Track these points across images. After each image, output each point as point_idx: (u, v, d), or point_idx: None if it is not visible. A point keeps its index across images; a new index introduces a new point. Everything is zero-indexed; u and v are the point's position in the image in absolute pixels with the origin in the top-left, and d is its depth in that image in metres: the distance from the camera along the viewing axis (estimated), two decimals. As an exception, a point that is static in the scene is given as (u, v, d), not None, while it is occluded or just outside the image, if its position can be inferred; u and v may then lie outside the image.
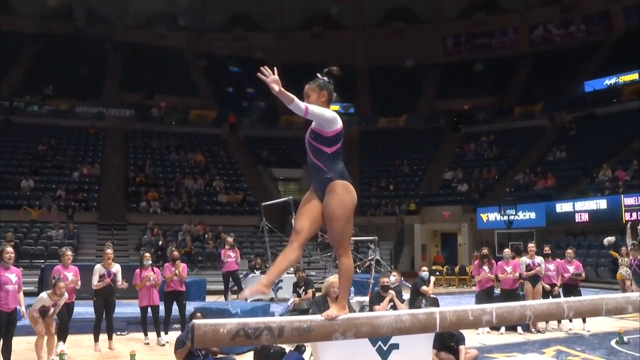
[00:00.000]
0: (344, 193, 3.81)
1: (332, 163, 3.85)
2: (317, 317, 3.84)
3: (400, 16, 39.48)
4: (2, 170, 24.94)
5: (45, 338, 8.29)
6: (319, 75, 4.01)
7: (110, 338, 9.72)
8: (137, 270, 10.24)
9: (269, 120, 33.73)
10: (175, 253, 10.95)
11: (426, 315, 4.14)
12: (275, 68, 3.72)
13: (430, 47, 38.89)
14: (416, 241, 26.71)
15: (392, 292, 8.28)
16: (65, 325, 9.15)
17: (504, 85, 35.89)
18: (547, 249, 11.73)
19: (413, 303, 9.80)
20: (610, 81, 31.83)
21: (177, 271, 10.38)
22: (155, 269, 10.41)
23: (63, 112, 30.44)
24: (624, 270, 14.10)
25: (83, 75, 31.97)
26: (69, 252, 9.58)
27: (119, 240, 21.89)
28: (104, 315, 9.68)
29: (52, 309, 8.32)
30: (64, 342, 9.20)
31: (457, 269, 22.01)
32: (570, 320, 10.45)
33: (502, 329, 10.44)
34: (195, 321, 3.62)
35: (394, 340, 7.11)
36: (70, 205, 23.45)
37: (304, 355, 6.47)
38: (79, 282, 9.30)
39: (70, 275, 9.17)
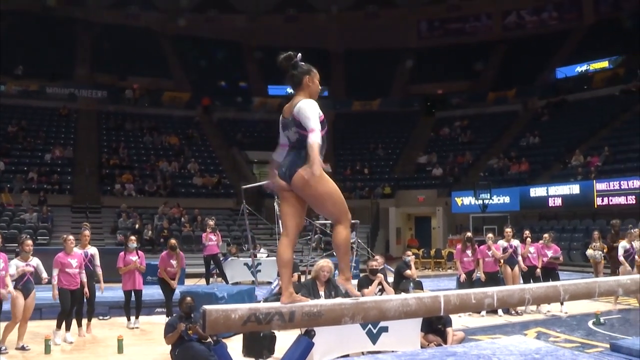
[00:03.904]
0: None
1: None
2: (328, 301, 3.88)
3: (374, 0, 39.45)
4: (-29, 152, 24.51)
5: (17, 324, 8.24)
6: (298, 60, 3.91)
7: (89, 321, 9.60)
8: (121, 254, 10.12)
9: (242, 103, 33.68)
10: (173, 241, 10.83)
11: (431, 299, 4.20)
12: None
13: (404, 31, 39.00)
14: (391, 225, 26.96)
15: (380, 275, 8.37)
16: (69, 313, 9.01)
17: (478, 70, 36.16)
18: (526, 233, 11.98)
19: (397, 286, 9.90)
20: (581, 68, 32.38)
21: (175, 264, 10.39)
22: (139, 252, 10.31)
23: (33, 92, 29.86)
24: (597, 254, 14.44)
25: (53, 56, 31.37)
26: (71, 238, 9.14)
27: (94, 224, 21.53)
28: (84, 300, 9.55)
29: (33, 286, 8.22)
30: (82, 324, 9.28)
31: (433, 252, 22.27)
32: (549, 303, 10.65)
33: (484, 312, 10.61)
34: (206, 307, 3.60)
35: (383, 323, 7.25)
36: (43, 188, 23.11)
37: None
38: (84, 275, 9.10)
39: (74, 262, 8.94)
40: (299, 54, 3.89)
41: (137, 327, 9.95)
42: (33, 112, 28.57)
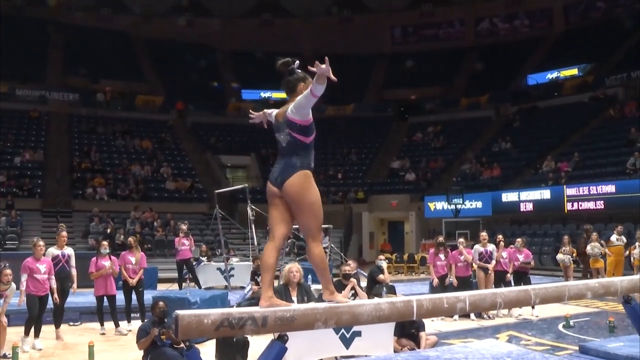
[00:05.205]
0: (305, 181, 3.87)
1: (306, 154, 3.88)
2: (301, 306, 3.89)
3: (348, 5, 39.64)
4: (-62, 155, 24.01)
5: None
6: (295, 67, 4.00)
7: (58, 326, 9.47)
8: (93, 259, 10.01)
9: (216, 107, 33.58)
10: (130, 239, 10.78)
11: (404, 303, 4.23)
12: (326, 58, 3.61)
13: (378, 36, 39.24)
14: (364, 229, 27.03)
15: (353, 280, 8.39)
16: (38, 319, 8.81)
17: (451, 76, 36.52)
18: (499, 238, 12.12)
19: (370, 291, 9.94)
20: (552, 75, 32.96)
21: (133, 260, 10.27)
22: (112, 257, 10.20)
23: (3, 94, 29.19)
24: (566, 258, 14.69)
25: (24, 57, 30.86)
26: (41, 243, 8.97)
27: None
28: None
29: (1, 301, 8.08)
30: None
31: (406, 256, 22.37)
32: (520, 307, 10.78)
33: (456, 316, 10.69)
34: (179, 312, 3.59)
35: (356, 327, 7.25)
36: (12, 191, 22.72)
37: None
38: (54, 280, 8.96)
39: (43, 267, 8.78)
40: (297, 62, 3.96)
41: (130, 330, 9.74)
42: (2, 115, 27.89)
